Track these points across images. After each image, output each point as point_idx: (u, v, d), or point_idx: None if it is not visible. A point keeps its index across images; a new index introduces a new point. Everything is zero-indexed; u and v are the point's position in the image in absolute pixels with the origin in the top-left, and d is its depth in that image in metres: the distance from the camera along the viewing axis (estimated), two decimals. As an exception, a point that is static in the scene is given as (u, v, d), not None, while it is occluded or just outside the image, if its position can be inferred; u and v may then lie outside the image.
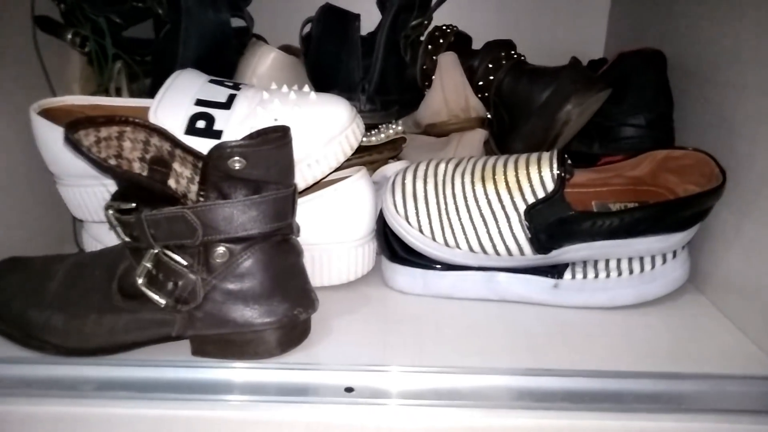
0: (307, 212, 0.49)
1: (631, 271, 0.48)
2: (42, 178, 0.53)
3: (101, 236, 0.53)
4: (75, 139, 0.36)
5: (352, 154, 0.51)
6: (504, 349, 0.44)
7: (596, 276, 0.48)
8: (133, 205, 0.40)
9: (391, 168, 0.58)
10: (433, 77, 0.59)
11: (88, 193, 0.50)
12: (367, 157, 0.55)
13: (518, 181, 0.47)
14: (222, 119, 0.46)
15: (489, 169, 0.48)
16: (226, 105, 0.46)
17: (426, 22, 0.58)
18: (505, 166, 0.48)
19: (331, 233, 0.50)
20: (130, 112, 0.52)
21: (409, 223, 0.49)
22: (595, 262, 0.49)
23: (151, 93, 0.60)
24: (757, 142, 0.45)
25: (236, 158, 0.37)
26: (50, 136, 0.48)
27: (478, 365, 0.41)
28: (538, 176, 0.46)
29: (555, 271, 0.49)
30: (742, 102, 0.47)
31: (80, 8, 0.55)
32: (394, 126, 0.60)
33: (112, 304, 0.41)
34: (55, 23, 0.55)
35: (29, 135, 0.50)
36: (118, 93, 0.62)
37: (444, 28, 0.61)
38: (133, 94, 0.61)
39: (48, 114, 0.51)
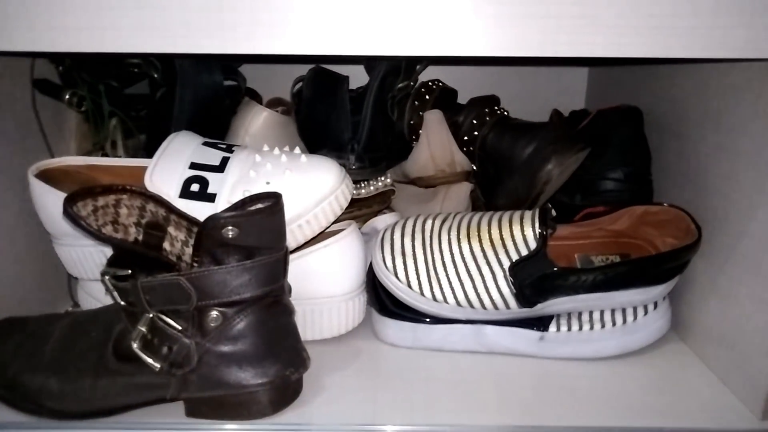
0: (298, 268, 0.50)
1: (614, 323, 0.50)
2: (36, 234, 0.54)
3: (96, 293, 0.54)
4: (74, 213, 0.38)
5: (342, 209, 0.53)
6: (493, 404, 0.45)
7: (580, 328, 0.50)
8: (129, 271, 0.41)
9: (381, 220, 0.60)
10: (420, 132, 0.61)
11: (84, 252, 0.51)
12: (356, 211, 0.57)
13: (502, 239, 0.48)
14: (216, 182, 0.47)
15: (474, 226, 0.50)
16: (220, 168, 0.48)
17: (412, 83, 0.60)
18: (489, 224, 0.50)
19: (322, 288, 0.51)
20: (125, 172, 0.54)
21: (397, 278, 0.51)
22: (579, 314, 0.50)
23: (146, 149, 0.62)
24: (729, 199, 0.47)
25: (230, 228, 0.39)
26: (47, 198, 0.50)
27: (467, 423, 0.42)
28: (521, 234, 0.48)
29: (541, 323, 0.50)
30: (714, 160, 0.49)
31: (78, 71, 0.57)
32: (382, 179, 0.61)
33: (107, 367, 0.42)
34: (53, 85, 0.57)
35: (27, 195, 0.51)
36: (114, 147, 0.63)
37: (429, 84, 0.63)
38: (128, 150, 0.62)
39: (46, 175, 0.52)
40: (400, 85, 0.59)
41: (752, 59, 0.37)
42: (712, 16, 0.35)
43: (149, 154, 0.60)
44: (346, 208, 0.56)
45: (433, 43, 0.37)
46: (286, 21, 0.36)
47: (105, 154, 0.61)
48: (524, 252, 0.47)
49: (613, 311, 0.50)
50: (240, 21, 0.35)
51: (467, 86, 0.69)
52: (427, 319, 0.52)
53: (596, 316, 0.50)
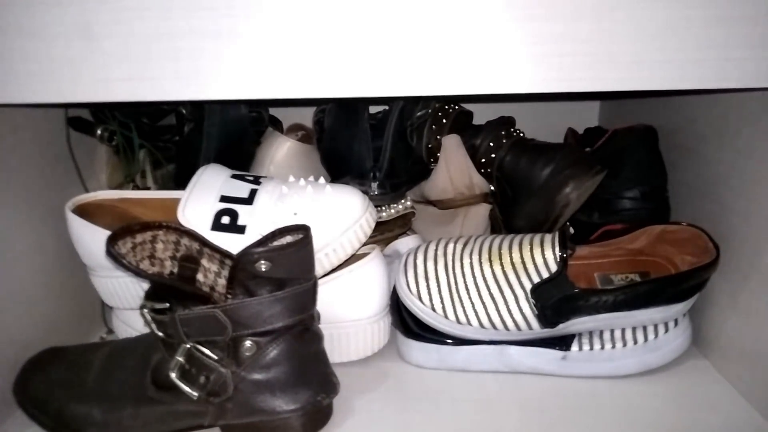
0: (324, 294, 0.51)
1: (635, 341, 0.51)
2: (71, 264, 0.56)
3: (131, 321, 0.56)
4: (116, 253, 0.40)
5: (365, 234, 0.55)
6: (517, 423, 0.46)
7: (602, 347, 0.51)
8: (167, 304, 0.43)
9: (403, 243, 0.62)
10: (438, 155, 0.62)
11: (120, 283, 0.53)
12: (378, 235, 0.59)
13: (523, 262, 0.49)
14: (245, 214, 0.49)
15: (495, 249, 0.51)
16: (249, 200, 0.50)
17: (430, 111, 0.62)
18: (510, 247, 0.51)
19: (348, 312, 0.53)
20: (156, 204, 0.56)
21: (421, 301, 0.52)
22: (601, 333, 0.51)
23: (175, 179, 0.64)
24: (746, 217, 0.48)
25: (263, 261, 0.41)
26: (84, 232, 0.52)
27: (494, 445, 0.43)
28: (542, 258, 0.49)
29: (563, 343, 0.51)
30: (731, 178, 0.50)
31: (110, 109, 0.59)
32: (403, 201, 0.63)
33: (147, 396, 0.44)
34: (86, 122, 0.60)
35: (62, 228, 0.53)
36: (143, 177, 0.66)
37: (446, 107, 0.65)
38: (157, 181, 0.64)
39: (81, 209, 0.54)
40: (419, 113, 0.61)
41: (764, 88, 0.38)
42: (722, 48, 0.36)
43: (178, 184, 0.62)
44: (369, 234, 0.58)
45: (451, 82, 0.38)
46: (316, 67, 0.38)
47: (136, 186, 0.64)
48: (545, 274, 0.48)
49: (634, 329, 0.51)
50: (269, 67, 0.37)
51: (479, 107, 0.70)
52: (451, 341, 0.53)
53: (617, 334, 0.51)
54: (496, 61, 0.38)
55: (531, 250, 0.49)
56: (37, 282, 0.53)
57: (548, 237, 0.50)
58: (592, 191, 0.57)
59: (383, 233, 0.59)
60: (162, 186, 0.65)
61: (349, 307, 0.53)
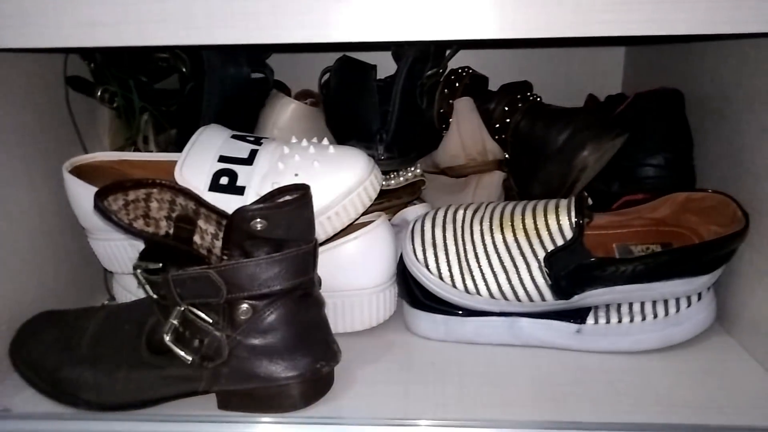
0: (328, 261, 0.50)
1: (655, 315, 0.48)
2: (73, 229, 0.55)
3: (131, 286, 0.55)
4: (104, 208, 0.38)
5: (372, 200, 0.52)
6: (527, 398, 0.44)
7: (620, 320, 0.48)
8: (160, 264, 0.41)
9: (411, 211, 0.59)
10: (450, 120, 0.60)
11: (118, 246, 0.52)
12: (386, 203, 0.56)
13: (537, 229, 0.47)
14: (244, 175, 0.47)
15: (507, 216, 0.49)
16: (248, 161, 0.48)
17: (441, 71, 0.59)
18: (523, 213, 0.48)
19: (353, 281, 0.51)
20: (156, 167, 0.54)
21: (429, 270, 0.50)
22: (619, 306, 0.48)
23: (177, 144, 0.63)
24: (779, 184, 0.44)
25: (258, 220, 0.38)
26: (81, 193, 0.50)
27: (501, 418, 0.41)
28: (557, 224, 0.46)
29: (578, 315, 0.49)
30: (760, 144, 0.47)
31: (108, 67, 0.57)
32: (412, 169, 0.60)
33: (140, 359, 0.42)
34: (85, 82, 0.58)
35: (63, 190, 0.52)
36: (146, 142, 0.64)
37: (459, 71, 0.62)
38: (159, 145, 0.63)
39: (79, 170, 0.53)
40: (429, 72, 0.58)
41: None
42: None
43: (180, 148, 0.60)
44: (376, 200, 0.56)
45: (459, 26, 0.35)
46: (309, 8, 0.35)
47: (137, 150, 0.62)
48: (560, 242, 0.46)
49: (654, 303, 0.48)
50: (261, 9, 0.35)
51: (499, 72, 0.67)
52: (460, 312, 0.51)
53: (636, 307, 0.48)
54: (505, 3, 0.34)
55: (545, 215, 0.47)
56: (36, 246, 0.52)
57: (563, 202, 0.47)
58: (611, 156, 0.54)
59: (391, 201, 0.57)
60: (165, 151, 0.63)
61: (354, 275, 0.51)
